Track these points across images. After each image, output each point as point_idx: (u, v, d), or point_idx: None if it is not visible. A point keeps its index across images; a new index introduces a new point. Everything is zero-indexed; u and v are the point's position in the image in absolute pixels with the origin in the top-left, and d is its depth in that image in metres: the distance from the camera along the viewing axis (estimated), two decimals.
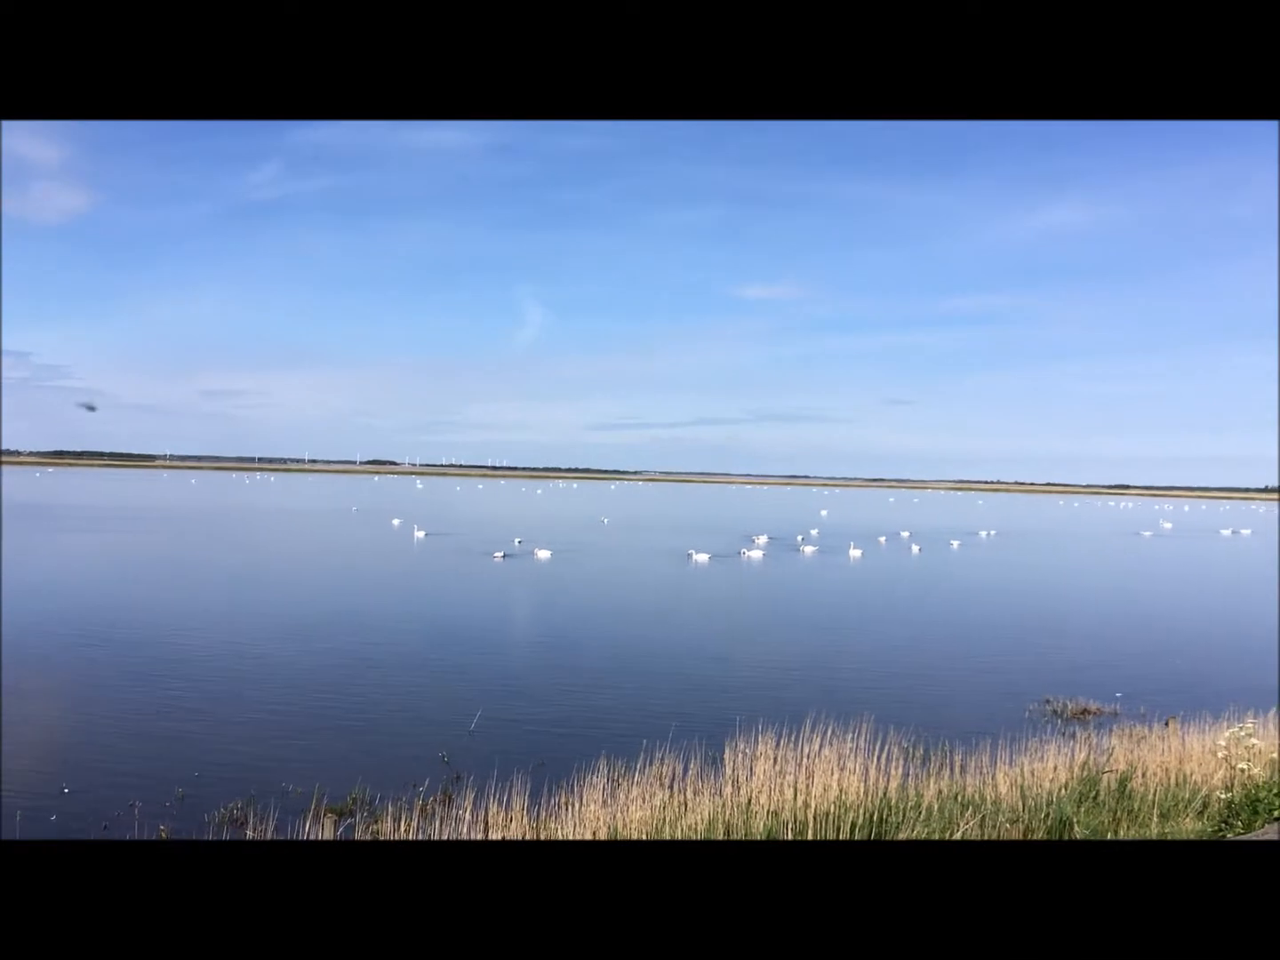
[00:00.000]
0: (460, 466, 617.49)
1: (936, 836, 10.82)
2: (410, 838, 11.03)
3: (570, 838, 10.51)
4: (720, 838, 10.57)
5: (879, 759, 12.49)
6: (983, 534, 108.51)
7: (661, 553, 72.10)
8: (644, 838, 10.47)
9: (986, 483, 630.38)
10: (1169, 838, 8.20)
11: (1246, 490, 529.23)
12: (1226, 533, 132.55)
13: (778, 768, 12.69)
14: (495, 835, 11.83)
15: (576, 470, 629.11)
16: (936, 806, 12.11)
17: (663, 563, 65.19)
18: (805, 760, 12.44)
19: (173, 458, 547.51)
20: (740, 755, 13.76)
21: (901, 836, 10.62)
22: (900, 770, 12.81)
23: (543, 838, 10.89)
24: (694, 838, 10.25)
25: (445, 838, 11.17)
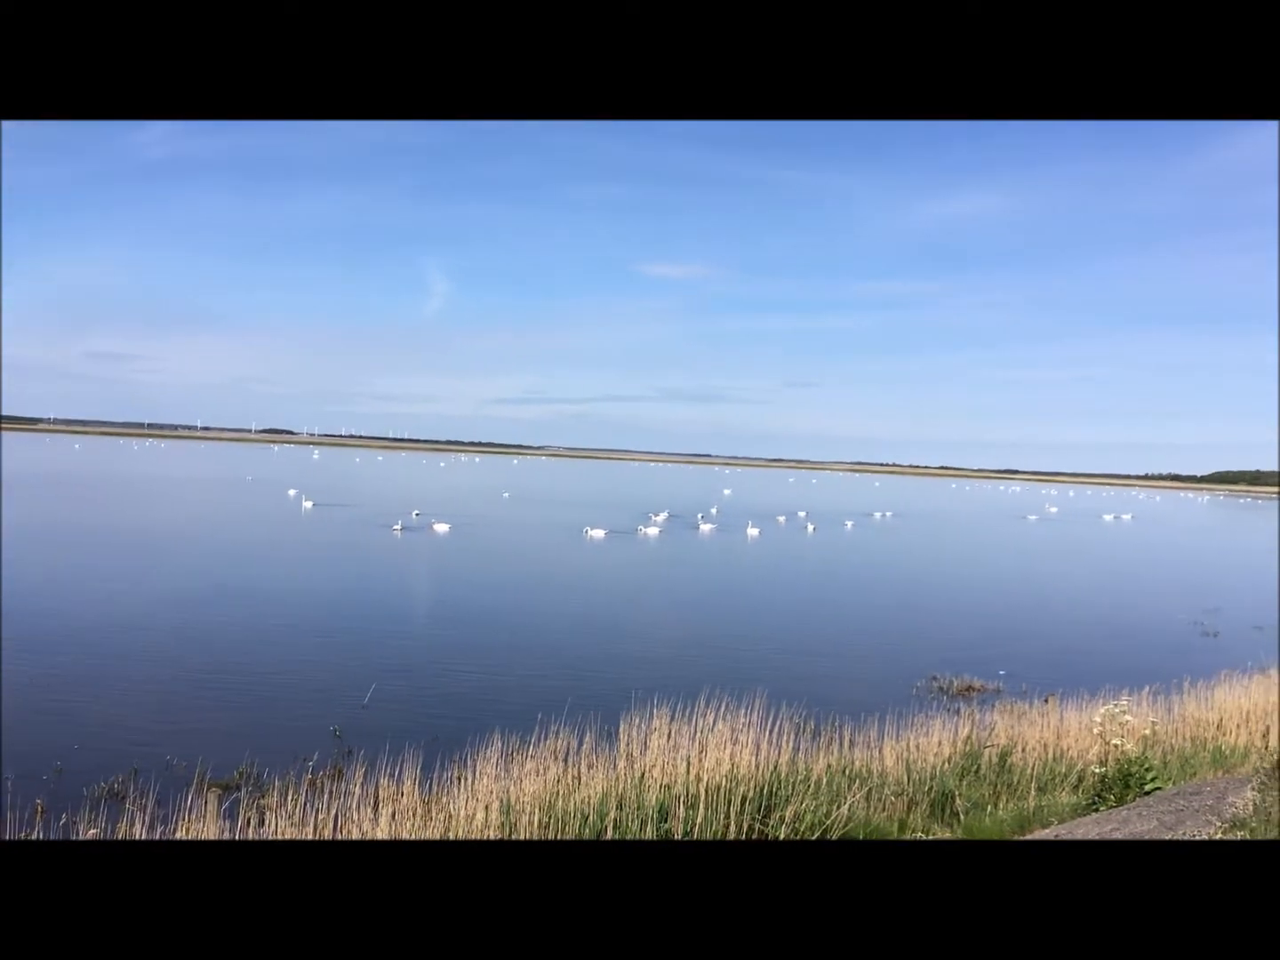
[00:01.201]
0: (360, 438, 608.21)
1: (825, 809, 11.03)
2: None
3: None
4: (613, 812, 10.62)
5: (770, 733, 12.65)
6: (878, 515, 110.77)
7: (561, 528, 71.97)
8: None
9: (883, 465, 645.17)
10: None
11: (1128, 477, 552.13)
12: (1109, 518, 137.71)
13: (672, 742, 12.74)
14: (386, 809, 11.69)
15: (479, 444, 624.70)
16: (825, 780, 12.34)
17: (561, 538, 65.09)
18: (699, 734, 12.52)
19: (57, 421, 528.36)
20: (635, 730, 13.79)
21: (790, 810, 10.80)
22: (791, 744, 12.99)
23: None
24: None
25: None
